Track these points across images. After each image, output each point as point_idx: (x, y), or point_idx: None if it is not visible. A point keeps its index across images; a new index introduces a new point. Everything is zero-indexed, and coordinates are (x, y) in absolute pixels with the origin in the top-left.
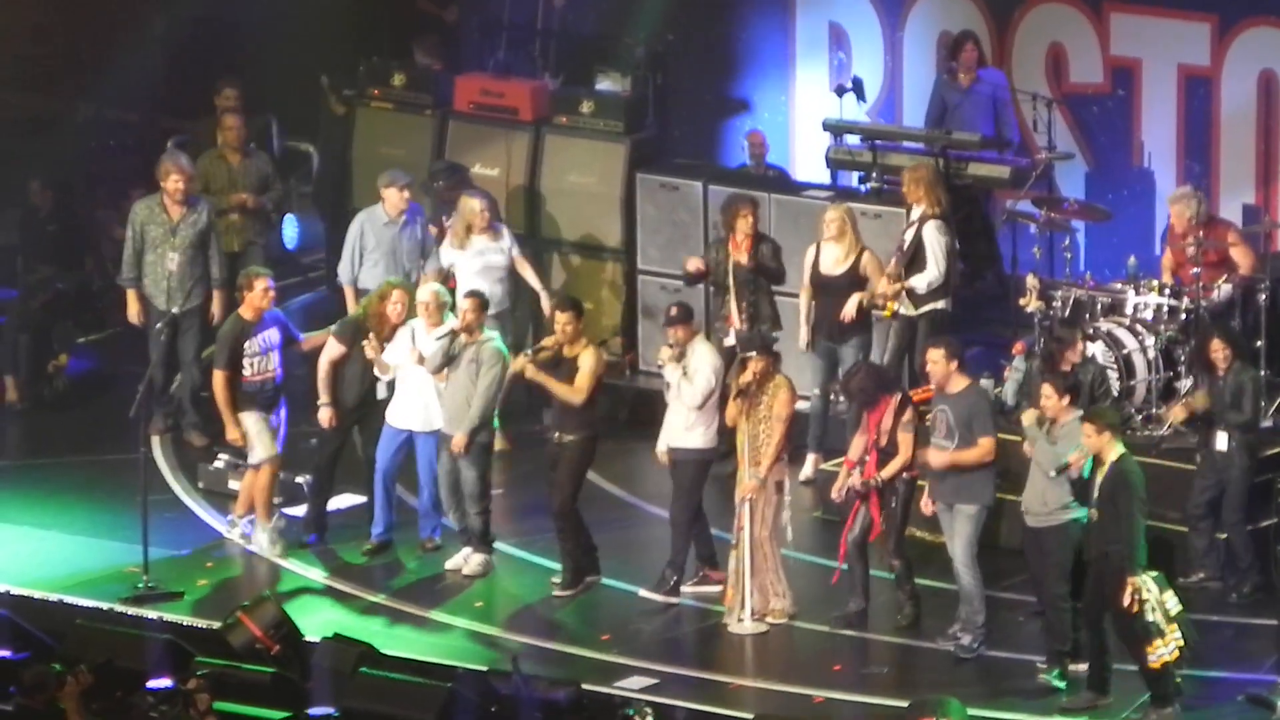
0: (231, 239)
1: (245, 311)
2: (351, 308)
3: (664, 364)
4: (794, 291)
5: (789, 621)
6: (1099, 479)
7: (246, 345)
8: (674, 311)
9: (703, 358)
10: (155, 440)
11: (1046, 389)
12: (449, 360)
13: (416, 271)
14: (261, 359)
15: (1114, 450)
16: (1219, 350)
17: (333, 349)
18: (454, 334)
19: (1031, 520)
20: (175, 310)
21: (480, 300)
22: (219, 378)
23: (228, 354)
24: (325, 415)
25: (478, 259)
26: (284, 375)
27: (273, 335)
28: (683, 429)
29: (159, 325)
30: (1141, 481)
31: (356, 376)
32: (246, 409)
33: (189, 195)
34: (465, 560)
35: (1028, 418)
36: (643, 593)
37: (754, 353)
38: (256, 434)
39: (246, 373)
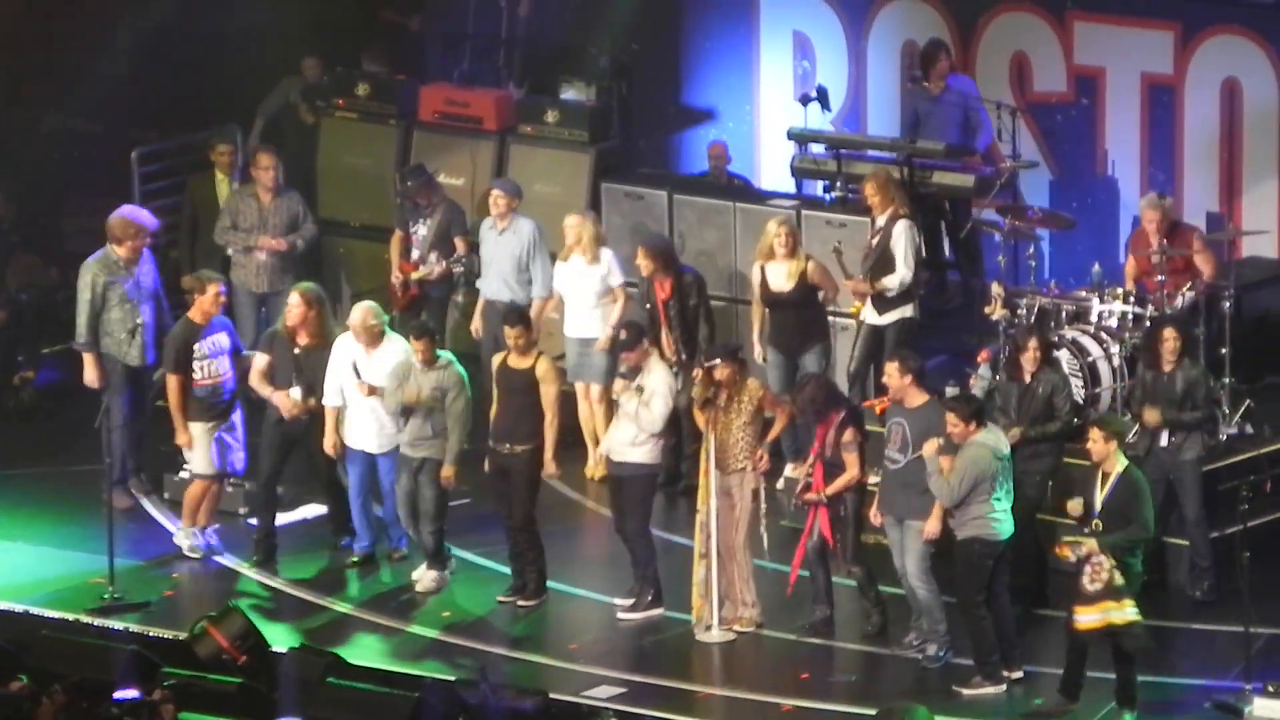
0: (260, 279)
1: (194, 315)
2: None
3: (618, 396)
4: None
5: (756, 630)
6: (1102, 491)
7: (195, 348)
8: (624, 335)
9: (659, 379)
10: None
11: (951, 417)
12: (412, 393)
13: (512, 285)
14: (211, 362)
15: (1119, 461)
16: (1170, 340)
17: (258, 361)
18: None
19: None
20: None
21: (429, 339)
22: (170, 381)
23: (175, 357)
24: (285, 402)
25: (568, 279)
26: (236, 381)
27: (221, 339)
28: (629, 444)
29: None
30: (1151, 492)
31: (285, 385)
32: (195, 418)
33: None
34: (419, 577)
35: (929, 448)
36: (621, 615)
37: (717, 360)
38: (199, 446)
39: (196, 376)
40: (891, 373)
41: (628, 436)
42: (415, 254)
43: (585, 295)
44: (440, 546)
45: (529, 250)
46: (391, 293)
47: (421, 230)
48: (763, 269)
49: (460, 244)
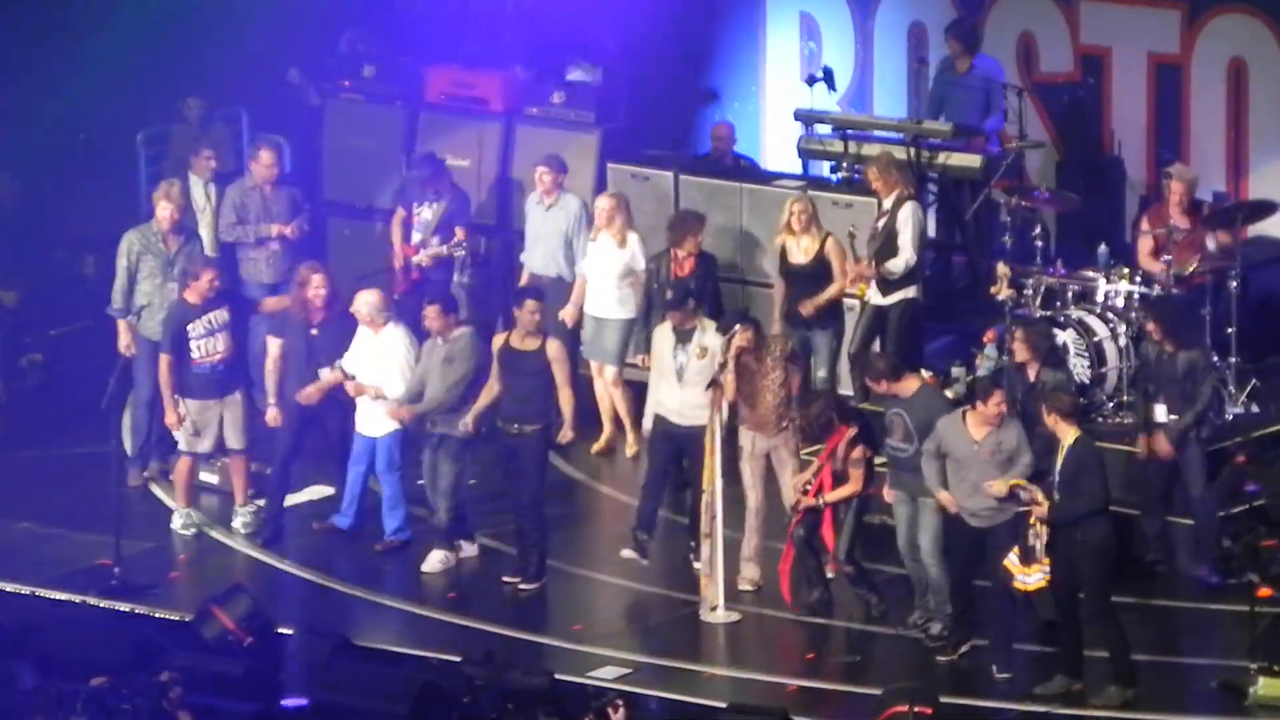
0: (272, 269)
1: (189, 295)
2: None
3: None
4: (768, 281)
5: (757, 595)
6: (1057, 463)
7: (190, 328)
8: (670, 294)
9: (718, 338)
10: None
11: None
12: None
13: (559, 260)
14: (208, 340)
15: (1070, 432)
16: (1153, 333)
17: (272, 347)
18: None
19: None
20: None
21: (439, 307)
22: (162, 361)
23: (171, 337)
24: (272, 415)
25: (594, 257)
26: (237, 355)
27: (220, 315)
28: (700, 406)
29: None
30: (1101, 463)
31: (295, 369)
32: (195, 395)
33: (181, 224)
34: (452, 557)
35: (999, 488)
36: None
37: (736, 327)
38: (193, 423)
39: (195, 355)
40: (880, 388)
41: (700, 399)
42: (416, 236)
43: (608, 275)
44: (454, 525)
45: (574, 226)
46: (393, 277)
47: (426, 214)
48: (784, 243)
49: (460, 232)
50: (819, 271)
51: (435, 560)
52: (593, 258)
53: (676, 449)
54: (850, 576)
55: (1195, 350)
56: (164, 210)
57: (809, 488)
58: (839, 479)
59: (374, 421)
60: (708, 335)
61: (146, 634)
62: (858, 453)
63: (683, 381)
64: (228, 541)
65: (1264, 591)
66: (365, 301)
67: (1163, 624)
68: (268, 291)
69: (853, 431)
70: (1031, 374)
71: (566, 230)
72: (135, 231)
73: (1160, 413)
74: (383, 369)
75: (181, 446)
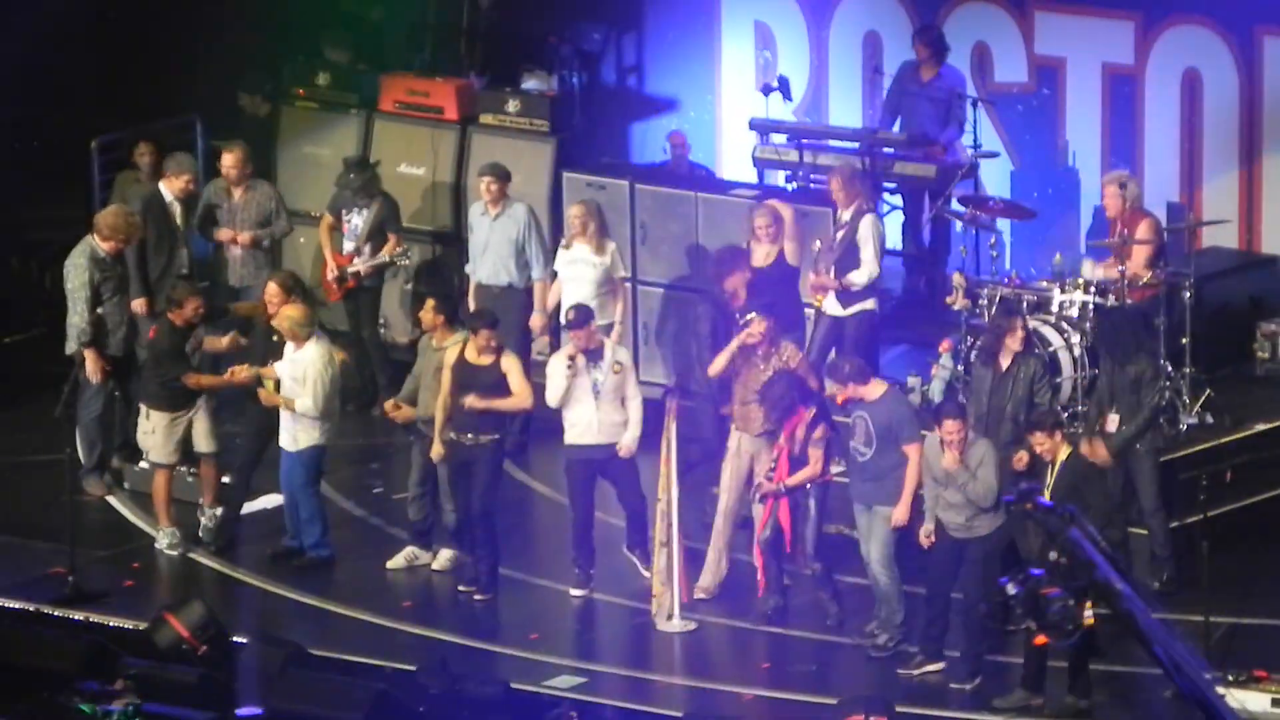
0: (231, 273)
1: (176, 319)
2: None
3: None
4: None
5: (712, 603)
6: (1049, 480)
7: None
8: (572, 315)
9: (625, 352)
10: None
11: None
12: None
13: (510, 269)
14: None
15: (1064, 450)
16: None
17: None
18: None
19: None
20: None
21: (437, 301)
22: (193, 380)
23: (182, 360)
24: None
25: (569, 266)
26: (210, 369)
27: (198, 334)
28: (620, 423)
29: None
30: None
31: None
32: (159, 408)
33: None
34: (424, 556)
35: (950, 467)
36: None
37: (753, 315)
38: (164, 434)
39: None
40: (846, 391)
41: (618, 417)
42: (347, 243)
43: (586, 285)
44: (459, 526)
45: (524, 233)
46: (326, 285)
47: (356, 220)
48: (749, 249)
49: (391, 239)
50: (780, 277)
51: (444, 558)
52: (568, 267)
53: (597, 471)
54: (817, 576)
55: (1143, 362)
56: (110, 246)
57: (771, 474)
58: (798, 463)
59: (290, 436)
60: (620, 351)
61: (100, 642)
62: (818, 433)
63: (599, 399)
64: (180, 549)
65: (1040, 640)
66: (286, 317)
67: (1117, 633)
68: (231, 295)
69: (811, 413)
70: (1004, 363)
71: (517, 238)
72: (82, 258)
73: (1112, 423)
74: (298, 383)
75: (155, 458)
